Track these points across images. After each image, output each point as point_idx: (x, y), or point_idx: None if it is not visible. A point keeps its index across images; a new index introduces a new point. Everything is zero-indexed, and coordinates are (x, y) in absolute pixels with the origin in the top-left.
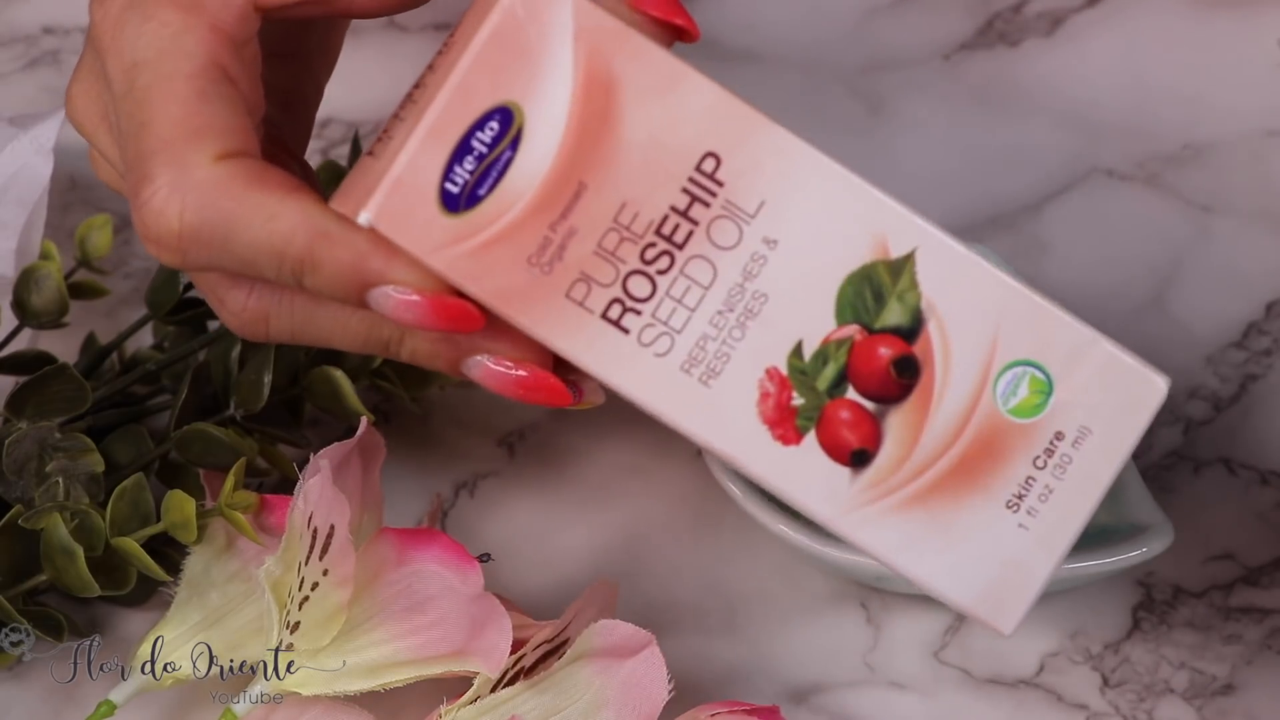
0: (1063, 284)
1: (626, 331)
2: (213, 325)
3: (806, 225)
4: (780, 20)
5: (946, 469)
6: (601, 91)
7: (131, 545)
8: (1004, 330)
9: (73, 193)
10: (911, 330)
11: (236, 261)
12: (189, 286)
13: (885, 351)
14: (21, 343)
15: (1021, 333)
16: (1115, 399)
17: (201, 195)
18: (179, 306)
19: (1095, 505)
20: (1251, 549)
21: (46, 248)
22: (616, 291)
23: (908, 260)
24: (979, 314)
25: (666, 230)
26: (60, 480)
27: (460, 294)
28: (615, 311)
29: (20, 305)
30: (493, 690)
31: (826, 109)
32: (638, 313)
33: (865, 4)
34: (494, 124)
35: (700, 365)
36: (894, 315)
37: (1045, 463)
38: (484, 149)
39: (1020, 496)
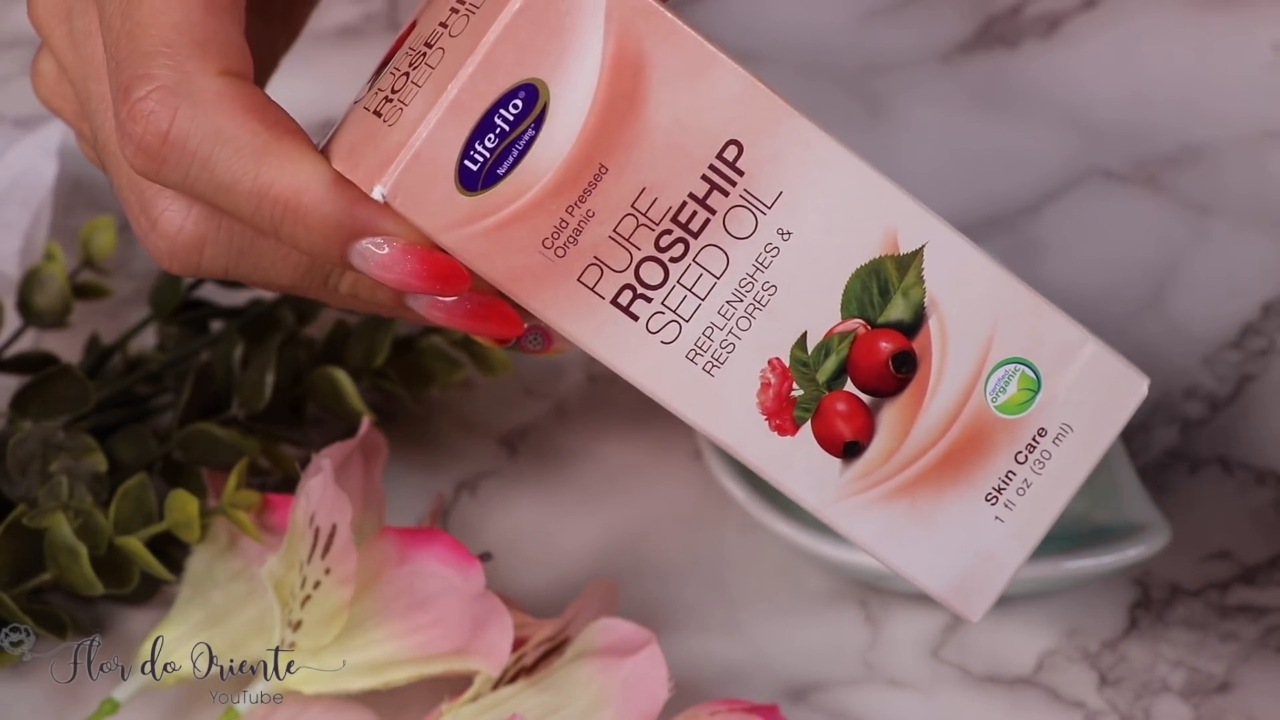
0: (1060, 285)
1: (636, 318)
2: (215, 326)
3: (821, 218)
4: (779, 21)
5: (933, 462)
6: (630, 72)
7: (135, 544)
8: (1000, 327)
9: (77, 194)
10: (913, 326)
11: (213, 187)
12: (192, 287)
13: (885, 346)
14: (26, 343)
15: (1016, 330)
16: (1098, 397)
17: (198, 105)
18: (182, 307)
19: (1068, 500)
20: (1248, 548)
21: (51, 249)
22: (628, 278)
23: (916, 256)
24: (979, 311)
25: (683, 218)
26: (64, 479)
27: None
28: (626, 298)
29: (24, 306)
30: (494, 689)
31: (825, 110)
32: (648, 299)
33: (864, 5)
34: (518, 101)
35: (705, 355)
36: (897, 310)
37: (1026, 458)
38: (506, 127)
39: (1000, 490)
